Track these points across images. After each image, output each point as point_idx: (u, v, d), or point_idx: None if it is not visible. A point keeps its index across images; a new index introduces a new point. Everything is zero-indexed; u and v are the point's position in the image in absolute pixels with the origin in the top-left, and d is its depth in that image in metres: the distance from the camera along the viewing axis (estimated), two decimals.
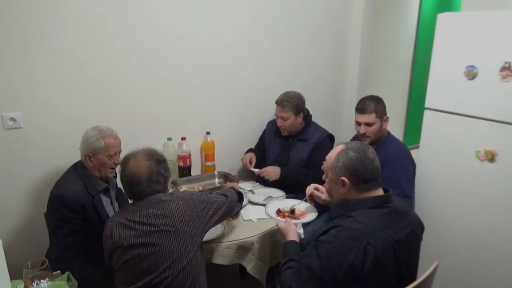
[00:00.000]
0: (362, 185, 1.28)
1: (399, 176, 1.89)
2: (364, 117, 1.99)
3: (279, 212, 1.89)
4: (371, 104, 1.98)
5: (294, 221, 1.68)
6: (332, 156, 1.35)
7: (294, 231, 1.53)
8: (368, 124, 1.98)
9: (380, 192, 1.32)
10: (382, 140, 2.05)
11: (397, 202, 1.33)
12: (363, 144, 1.36)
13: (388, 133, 2.09)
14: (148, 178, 1.39)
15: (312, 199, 1.79)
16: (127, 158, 1.44)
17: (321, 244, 1.21)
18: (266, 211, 1.91)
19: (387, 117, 2.03)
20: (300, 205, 1.92)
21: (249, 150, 2.55)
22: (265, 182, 2.38)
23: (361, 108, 2.01)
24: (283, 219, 1.68)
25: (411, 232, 1.28)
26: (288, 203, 1.93)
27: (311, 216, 1.82)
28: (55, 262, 1.52)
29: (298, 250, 1.44)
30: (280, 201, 2.03)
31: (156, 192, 1.41)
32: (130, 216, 1.37)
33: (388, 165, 1.90)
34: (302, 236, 1.55)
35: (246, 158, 2.42)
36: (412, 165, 2.00)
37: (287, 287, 1.26)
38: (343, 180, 1.29)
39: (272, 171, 2.27)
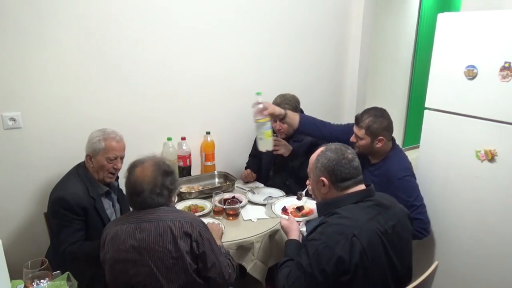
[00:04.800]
0: (341, 184, 1.33)
1: (410, 196, 1.82)
2: (355, 128, 1.90)
3: (285, 210, 1.89)
4: (366, 119, 1.85)
5: (297, 218, 1.68)
6: (313, 158, 1.41)
7: (297, 229, 1.53)
8: (357, 136, 1.90)
9: (361, 187, 1.36)
10: (386, 155, 1.92)
11: (380, 196, 1.37)
12: (343, 145, 1.40)
13: (393, 146, 1.94)
14: (151, 189, 1.34)
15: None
16: (134, 165, 1.39)
17: (309, 242, 1.25)
18: (272, 209, 1.92)
19: (382, 139, 1.84)
20: (307, 202, 1.93)
21: (247, 166, 2.53)
22: (265, 182, 2.39)
23: (356, 118, 1.92)
24: (287, 217, 1.69)
25: (398, 223, 1.31)
26: (294, 201, 1.94)
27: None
28: (63, 255, 1.58)
29: (298, 249, 1.45)
30: (285, 198, 2.04)
31: (158, 205, 1.36)
32: (126, 227, 1.33)
33: (395, 184, 1.82)
34: (305, 234, 1.56)
35: (247, 176, 2.40)
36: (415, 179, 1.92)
37: (281, 286, 1.29)
38: (322, 180, 1.34)
39: (284, 146, 2.22)
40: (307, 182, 1.79)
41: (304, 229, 1.57)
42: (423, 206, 1.83)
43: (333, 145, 1.39)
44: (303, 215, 1.83)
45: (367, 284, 1.20)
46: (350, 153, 1.36)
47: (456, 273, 1.93)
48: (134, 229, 1.31)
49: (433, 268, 1.37)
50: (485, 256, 1.82)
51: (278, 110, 1.99)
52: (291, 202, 1.97)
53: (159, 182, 1.35)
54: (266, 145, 2.02)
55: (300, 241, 1.51)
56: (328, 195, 1.36)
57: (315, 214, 1.82)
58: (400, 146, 2.03)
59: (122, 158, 1.78)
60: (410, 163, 1.93)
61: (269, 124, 1.97)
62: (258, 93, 1.97)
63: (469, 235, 1.86)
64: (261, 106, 1.93)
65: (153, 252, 1.28)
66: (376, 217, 1.26)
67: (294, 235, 1.50)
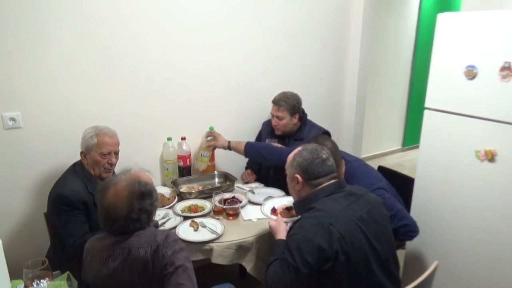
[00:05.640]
0: (314, 181, 1.43)
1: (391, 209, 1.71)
2: None
3: (274, 210, 1.89)
4: None
5: (285, 219, 1.69)
6: (290, 156, 1.51)
7: (284, 230, 1.54)
8: None
9: (333, 181, 1.44)
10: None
11: (351, 187, 1.46)
12: (319, 146, 1.50)
13: (347, 168, 1.87)
14: (126, 215, 1.18)
15: None
16: (106, 186, 1.22)
17: (290, 238, 1.33)
18: (261, 210, 1.92)
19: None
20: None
21: (248, 166, 2.55)
22: (265, 182, 2.39)
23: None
24: (275, 217, 1.70)
25: (372, 209, 1.38)
26: (283, 201, 1.94)
27: None
28: (73, 249, 1.55)
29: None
30: (276, 199, 2.04)
31: (134, 231, 1.22)
32: (100, 253, 1.23)
33: None
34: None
35: (248, 176, 2.42)
36: (385, 189, 1.84)
37: (269, 285, 1.33)
38: (297, 177, 1.44)
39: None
40: None
41: None
42: (399, 211, 1.74)
43: (309, 145, 1.50)
44: (292, 216, 1.82)
45: (350, 269, 1.25)
46: (325, 153, 1.46)
47: (456, 273, 1.93)
48: (107, 257, 1.21)
49: (433, 268, 1.37)
50: (485, 256, 1.82)
51: (221, 144, 2.25)
52: (281, 202, 1.97)
53: (136, 207, 1.20)
54: (197, 165, 2.36)
55: None
56: (302, 193, 1.46)
57: None
58: (359, 157, 1.92)
59: (116, 153, 1.78)
60: (371, 175, 1.89)
61: (207, 154, 2.32)
62: (210, 128, 2.37)
63: (469, 235, 1.86)
64: (209, 138, 2.28)
65: (127, 283, 1.19)
66: (349, 206, 1.35)
67: (282, 235, 1.51)
